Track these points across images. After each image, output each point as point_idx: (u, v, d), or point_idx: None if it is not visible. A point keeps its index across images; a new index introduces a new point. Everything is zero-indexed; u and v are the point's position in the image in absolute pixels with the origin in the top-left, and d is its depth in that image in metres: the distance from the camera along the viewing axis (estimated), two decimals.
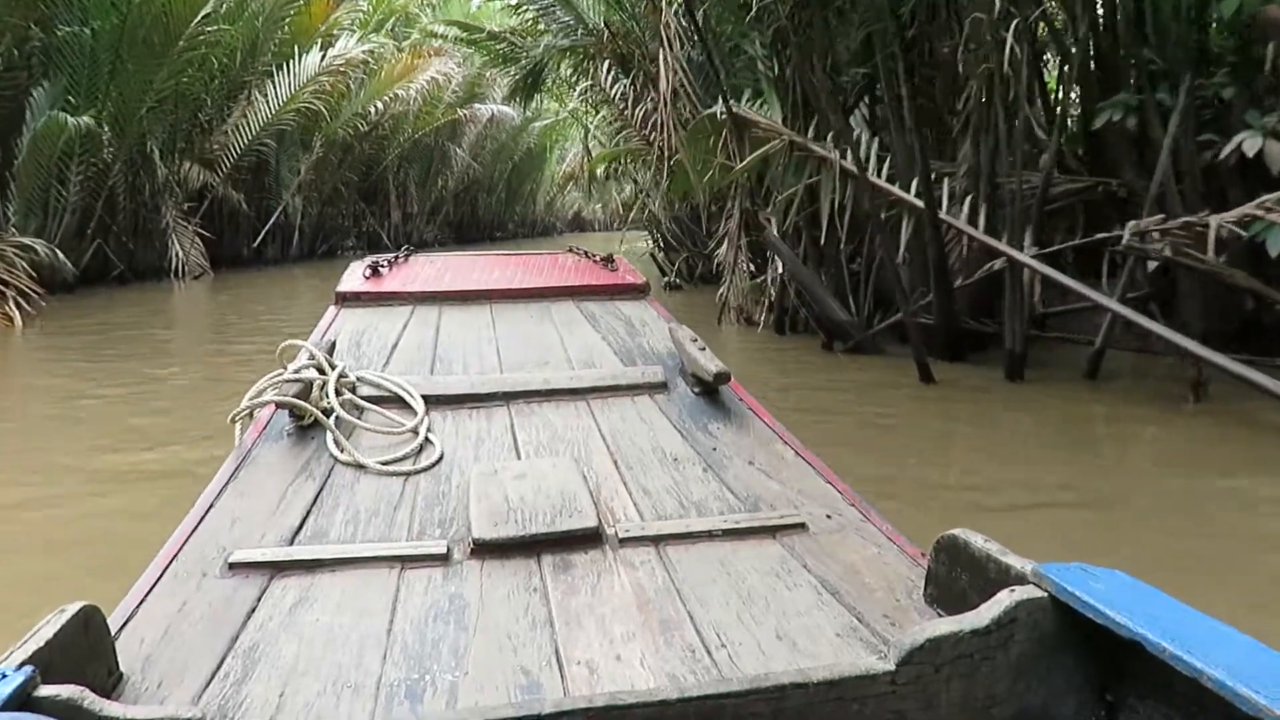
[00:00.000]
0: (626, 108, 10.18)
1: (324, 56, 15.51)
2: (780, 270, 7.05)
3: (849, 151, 5.92)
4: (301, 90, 15.35)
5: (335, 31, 16.79)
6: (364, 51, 16.28)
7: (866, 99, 7.10)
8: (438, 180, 25.18)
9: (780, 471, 1.75)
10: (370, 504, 1.62)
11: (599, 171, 13.42)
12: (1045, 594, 1.06)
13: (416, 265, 3.53)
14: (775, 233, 6.71)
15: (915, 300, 5.99)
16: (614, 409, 2.06)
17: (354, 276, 3.19)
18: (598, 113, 10.68)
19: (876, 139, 6.48)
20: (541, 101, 20.06)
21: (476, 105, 23.00)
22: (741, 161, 6.56)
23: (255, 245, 17.31)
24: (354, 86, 18.79)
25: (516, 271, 3.44)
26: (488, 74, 22.76)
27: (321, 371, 2.00)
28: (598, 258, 3.60)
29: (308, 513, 1.58)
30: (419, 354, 2.43)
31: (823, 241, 6.52)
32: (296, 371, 1.98)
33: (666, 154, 7.97)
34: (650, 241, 14.06)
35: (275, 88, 15.21)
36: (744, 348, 7.14)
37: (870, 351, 6.39)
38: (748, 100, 7.19)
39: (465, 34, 16.62)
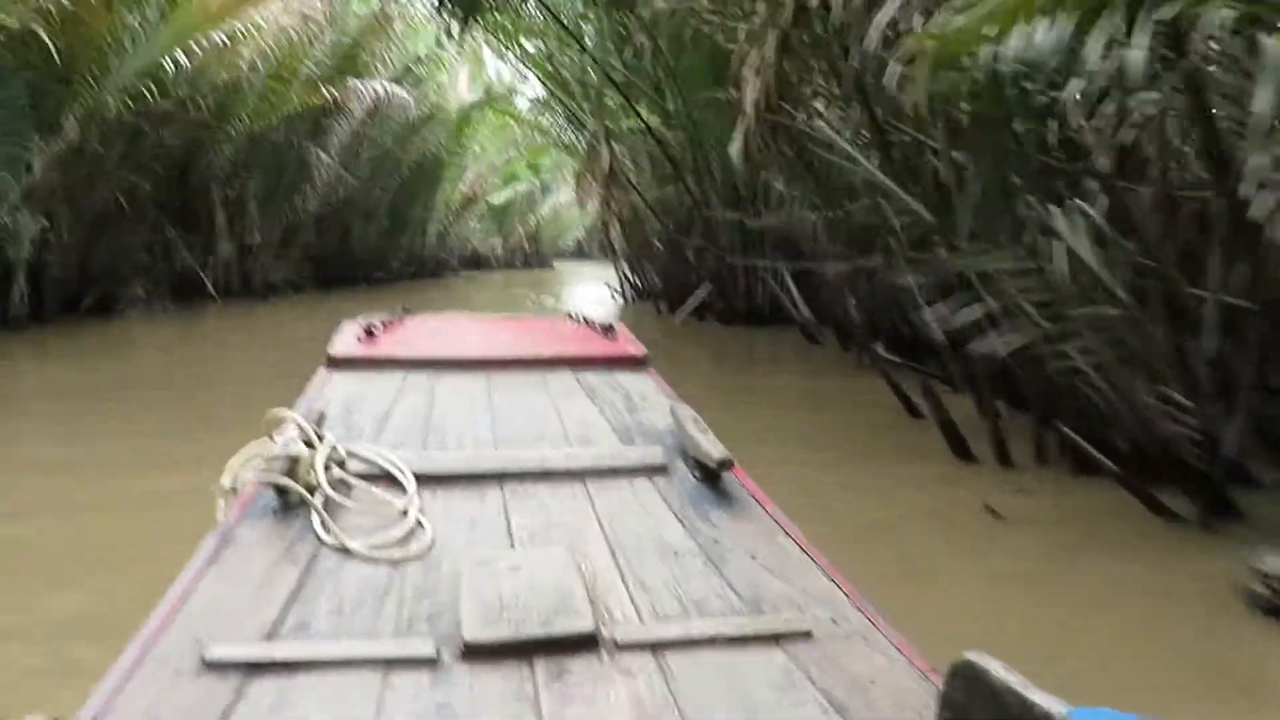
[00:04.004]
0: None
1: None
2: None
3: None
4: None
5: None
6: None
7: None
8: (293, 197, 17.18)
9: (784, 568, 1.64)
10: (356, 593, 1.53)
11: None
12: None
13: (412, 327, 3.49)
14: None
15: None
16: (612, 492, 1.96)
17: (347, 338, 3.06)
18: None
19: None
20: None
21: (353, 81, 15.19)
22: None
23: None
24: (136, 26, 10.90)
25: (514, 337, 3.44)
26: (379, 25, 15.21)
27: (310, 445, 1.90)
28: (597, 325, 3.42)
29: (290, 601, 1.48)
30: (412, 425, 2.33)
31: None
32: (285, 445, 1.88)
33: None
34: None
35: None
36: None
37: None
38: None
39: None
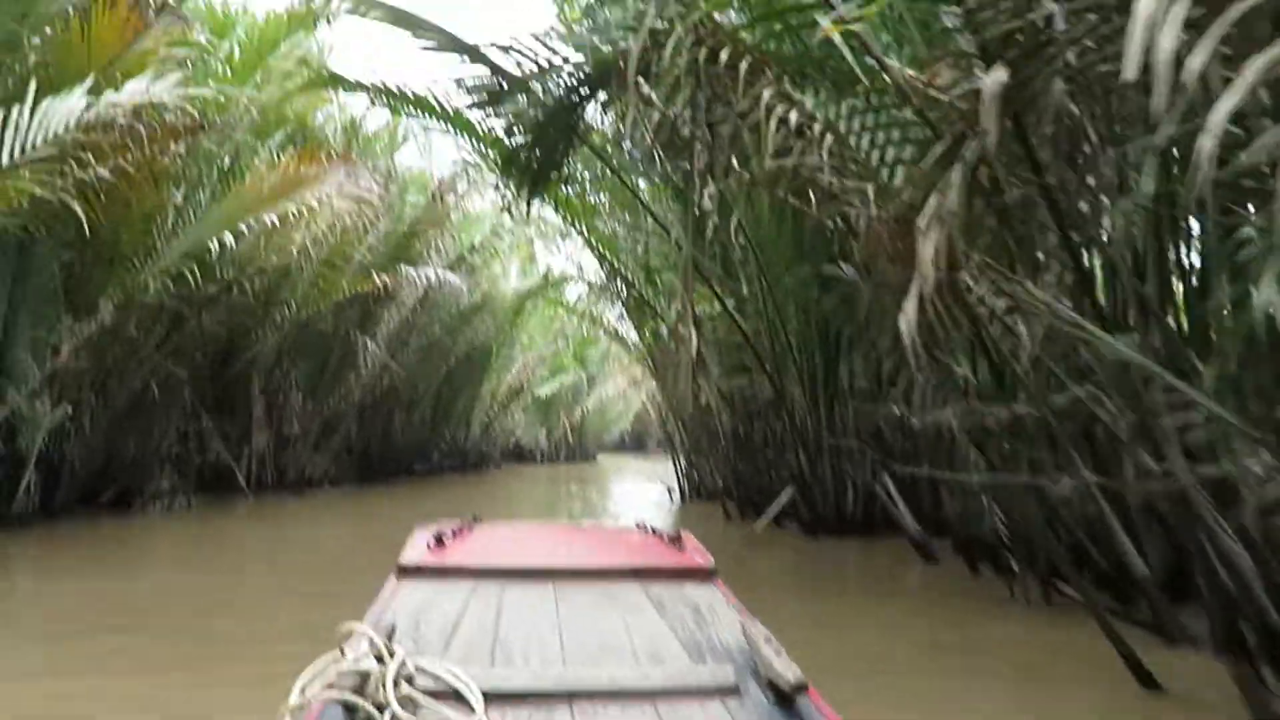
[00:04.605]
0: None
1: (93, 104, 7.26)
2: None
3: None
4: (30, 157, 6.95)
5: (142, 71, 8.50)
6: (180, 96, 8.00)
7: None
8: (337, 386, 16.53)
9: None
10: None
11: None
12: None
13: (480, 534, 3.47)
14: None
15: None
16: (681, 713, 1.83)
17: (417, 546, 3.05)
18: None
19: None
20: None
21: (405, 268, 14.79)
22: None
23: None
24: (182, 203, 10.55)
25: (581, 547, 3.49)
26: (437, 206, 14.99)
27: (380, 660, 1.82)
28: (664, 534, 3.37)
29: None
30: (480, 638, 2.29)
31: None
32: (355, 660, 1.82)
33: None
34: None
35: None
36: None
37: None
38: None
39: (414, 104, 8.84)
